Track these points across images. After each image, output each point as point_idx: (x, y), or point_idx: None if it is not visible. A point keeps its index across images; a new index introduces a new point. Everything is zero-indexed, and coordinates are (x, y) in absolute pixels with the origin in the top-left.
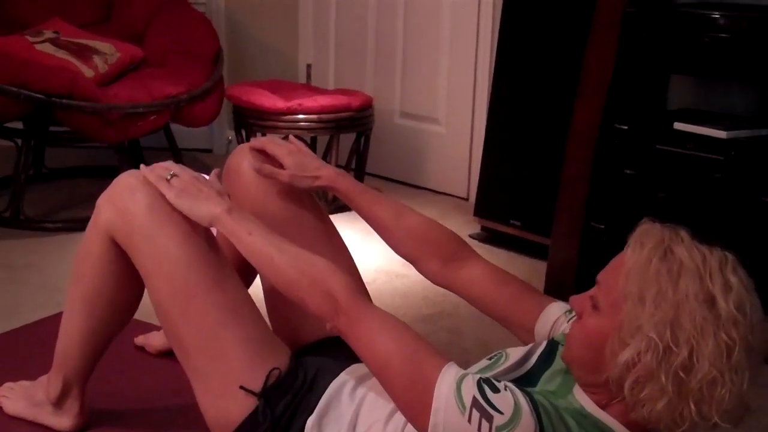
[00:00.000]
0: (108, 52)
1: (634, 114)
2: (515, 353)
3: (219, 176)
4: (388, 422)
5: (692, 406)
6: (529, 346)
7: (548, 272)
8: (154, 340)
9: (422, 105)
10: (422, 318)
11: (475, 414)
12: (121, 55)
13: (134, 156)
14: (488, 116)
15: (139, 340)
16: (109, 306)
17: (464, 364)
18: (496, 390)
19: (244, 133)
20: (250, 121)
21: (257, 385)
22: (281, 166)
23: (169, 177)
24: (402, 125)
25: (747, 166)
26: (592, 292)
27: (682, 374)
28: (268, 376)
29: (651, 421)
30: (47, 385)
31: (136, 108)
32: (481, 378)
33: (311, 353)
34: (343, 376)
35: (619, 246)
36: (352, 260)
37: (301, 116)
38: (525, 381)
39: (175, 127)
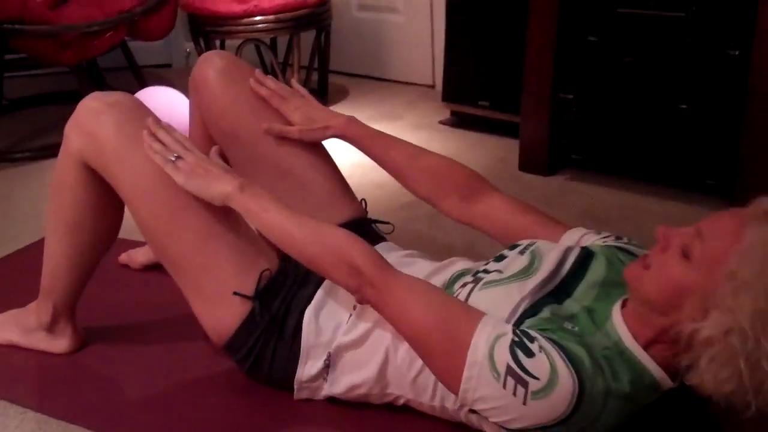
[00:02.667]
0: None
1: None
2: (549, 254)
3: (219, 154)
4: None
5: (756, 399)
6: (562, 248)
7: (521, 147)
8: (138, 256)
9: None
10: (401, 206)
11: (510, 381)
12: None
13: (94, 78)
14: None
15: (123, 258)
16: (92, 229)
17: (447, 252)
18: (530, 354)
19: (202, 42)
20: (207, 29)
21: (250, 289)
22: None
23: (173, 159)
24: (360, 18)
25: (708, 21)
26: (688, 235)
27: (764, 366)
28: (259, 278)
29: (709, 393)
30: (37, 311)
31: (91, 26)
32: (513, 340)
33: None
34: None
35: (588, 114)
36: (336, 167)
37: (258, 18)
38: (561, 293)
39: (133, 45)
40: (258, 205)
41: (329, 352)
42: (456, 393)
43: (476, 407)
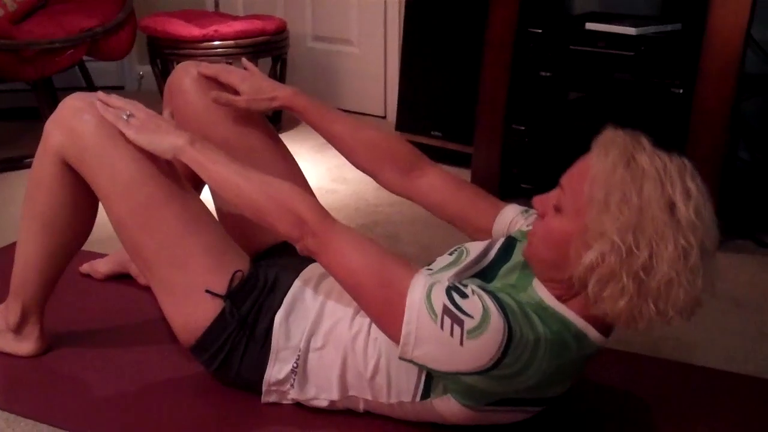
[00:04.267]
0: None
1: (546, 18)
2: (475, 248)
3: (171, 115)
4: (353, 320)
5: (651, 305)
6: (488, 241)
7: (473, 176)
8: (100, 267)
9: (334, 27)
10: (358, 228)
11: (447, 320)
12: None
13: (49, 96)
14: (404, 31)
15: (84, 268)
16: (66, 229)
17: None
18: (464, 296)
19: (159, 64)
20: (166, 52)
21: (222, 288)
22: (234, 92)
23: (125, 117)
24: (315, 48)
25: (656, 60)
26: (554, 194)
27: (642, 275)
28: (231, 279)
29: (611, 316)
30: (6, 313)
31: (53, 43)
32: (449, 285)
33: (268, 257)
34: (304, 274)
35: (539, 146)
36: (299, 170)
37: (217, 43)
38: (484, 275)
39: (87, 66)
40: (207, 158)
41: (298, 355)
42: (397, 340)
43: (416, 354)
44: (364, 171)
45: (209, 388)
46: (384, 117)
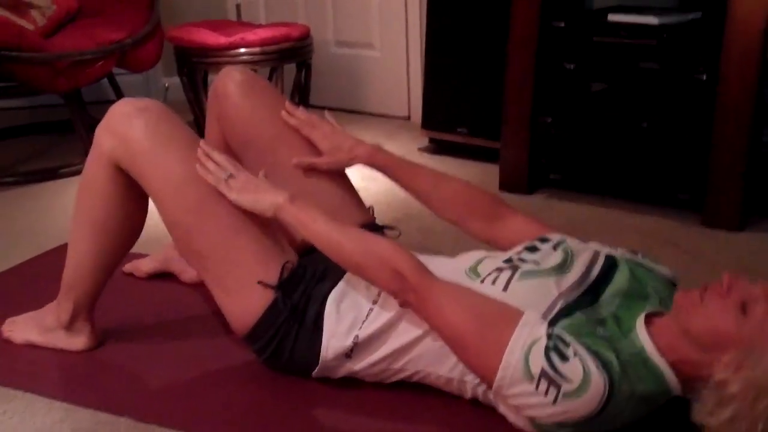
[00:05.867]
0: (44, 5)
1: (568, 11)
2: (579, 255)
3: (265, 175)
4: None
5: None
6: (590, 252)
7: (501, 169)
8: (143, 266)
9: (356, 31)
10: (392, 222)
11: (543, 382)
12: (58, 8)
13: (81, 110)
14: (427, 28)
15: (127, 267)
16: (118, 231)
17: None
18: (564, 358)
19: (186, 74)
20: (194, 60)
21: (273, 279)
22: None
23: (226, 178)
24: (338, 54)
25: (679, 48)
26: (754, 293)
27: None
28: (282, 270)
29: (708, 425)
30: (57, 310)
31: (84, 55)
32: (548, 345)
33: (315, 252)
34: None
35: (566, 136)
36: (346, 175)
37: (243, 50)
38: (591, 295)
39: None
40: (307, 216)
41: (354, 342)
42: (490, 387)
43: (508, 401)
44: (449, 222)
45: (260, 374)
46: (408, 118)
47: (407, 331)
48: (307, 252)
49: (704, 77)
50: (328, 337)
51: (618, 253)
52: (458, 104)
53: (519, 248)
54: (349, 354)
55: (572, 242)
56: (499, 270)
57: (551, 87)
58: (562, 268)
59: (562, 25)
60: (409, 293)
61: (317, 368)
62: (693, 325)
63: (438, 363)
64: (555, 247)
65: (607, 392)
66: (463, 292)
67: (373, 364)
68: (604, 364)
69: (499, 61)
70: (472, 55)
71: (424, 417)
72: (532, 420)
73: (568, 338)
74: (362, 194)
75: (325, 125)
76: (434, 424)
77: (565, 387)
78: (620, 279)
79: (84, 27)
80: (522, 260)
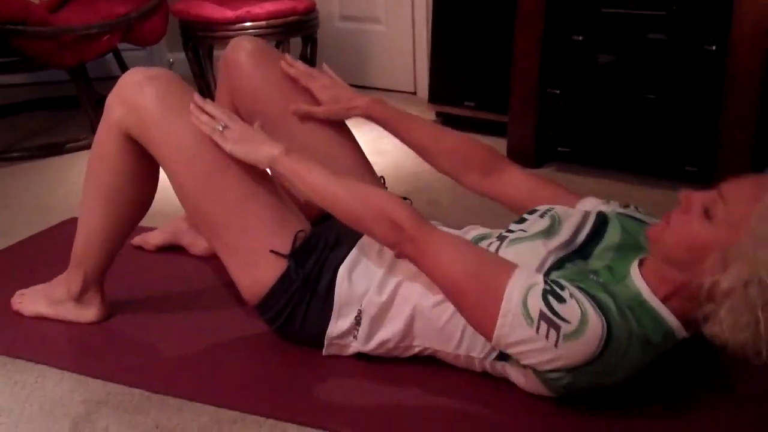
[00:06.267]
0: None
1: None
2: (568, 218)
3: (261, 127)
4: (421, 277)
5: None
6: (580, 214)
7: (509, 142)
8: (151, 239)
9: (362, 6)
10: (401, 194)
11: (543, 325)
12: None
13: (87, 85)
14: (434, 3)
15: (136, 240)
16: (129, 201)
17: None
18: (561, 300)
19: (192, 48)
20: (199, 34)
21: (285, 248)
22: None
23: (221, 128)
24: (343, 28)
25: (688, 19)
26: (709, 197)
27: None
28: (294, 239)
29: (723, 341)
30: (67, 282)
31: (90, 29)
32: (545, 288)
33: (325, 221)
34: (366, 237)
35: (575, 109)
36: (357, 143)
37: (249, 24)
38: (581, 253)
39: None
40: (303, 167)
41: (359, 309)
42: (490, 338)
43: (509, 351)
44: (446, 174)
45: (271, 344)
46: (414, 93)
47: (402, 308)
48: (321, 220)
49: (714, 48)
50: (338, 308)
51: (610, 208)
52: (465, 78)
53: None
54: (355, 333)
55: (560, 209)
56: (489, 245)
57: (559, 59)
58: (550, 231)
59: None
60: (407, 243)
61: (325, 346)
62: (669, 249)
63: (440, 340)
64: (542, 215)
65: (605, 332)
66: (461, 242)
67: (380, 345)
68: (600, 306)
69: (506, 34)
70: (478, 29)
71: (435, 386)
72: (541, 376)
73: (564, 283)
74: None
75: (324, 77)
76: (445, 395)
77: (565, 328)
78: (612, 234)
79: (89, 1)
80: (510, 231)
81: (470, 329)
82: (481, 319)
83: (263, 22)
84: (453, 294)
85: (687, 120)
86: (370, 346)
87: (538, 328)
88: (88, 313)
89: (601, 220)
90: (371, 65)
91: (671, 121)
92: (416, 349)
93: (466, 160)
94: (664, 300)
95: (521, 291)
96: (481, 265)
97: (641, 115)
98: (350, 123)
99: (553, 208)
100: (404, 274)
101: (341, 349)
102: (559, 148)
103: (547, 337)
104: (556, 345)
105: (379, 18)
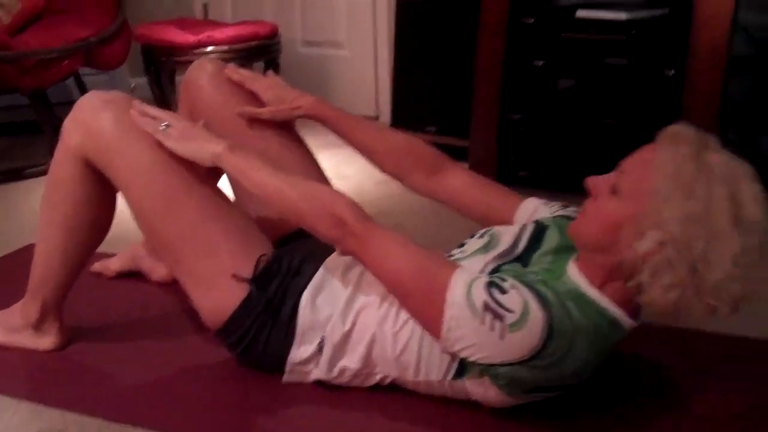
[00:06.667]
0: (9, 3)
1: (537, 7)
2: (505, 234)
3: (206, 125)
4: (382, 303)
5: (703, 299)
6: (518, 227)
7: (471, 165)
8: (111, 265)
9: (324, 31)
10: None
11: (488, 316)
12: (23, 6)
13: (47, 110)
14: (396, 27)
15: (96, 267)
16: (87, 226)
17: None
18: (503, 291)
19: (154, 71)
20: (161, 59)
21: (247, 273)
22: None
23: (163, 127)
24: (306, 53)
25: (646, 44)
26: (613, 176)
27: (701, 269)
28: (257, 263)
29: (659, 306)
30: (24, 310)
31: (50, 53)
32: (488, 281)
33: (290, 242)
34: (330, 261)
35: (535, 133)
36: (316, 162)
37: (211, 48)
38: (518, 262)
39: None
40: (247, 164)
41: (322, 336)
42: (438, 335)
43: (458, 347)
44: (390, 175)
45: (232, 371)
46: (377, 117)
47: (363, 335)
48: (285, 242)
49: (672, 73)
50: (301, 335)
51: (551, 209)
52: (427, 103)
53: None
54: (317, 360)
55: (498, 228)
56: None
57: (520, 84)
58: (488, 246)
59: (531, 21)
60: (351, 239)
61: (286, 372)
62: (589, 238)
63: (398, 367)
64: (481, 236)
65: (547, 323)
66: (403, 239)
67: (340, 373)
68: (541, 297)
69: (467, 59)
70: (440, 53)
71: (398, 414)
72: (496, 379)
73: (506, 276)
74: None
75: (268, 79)
76: (408, 422)
77: (508, 318)
78: (550, 239)
79: (50, 25)
80: (450, 255)
81: (426, 354)
82: (428, 314)
83: (225, 47)
84: (397, 289)
85: (646, 144)
86: (332, 374)
87: (483, 319)
88: (46, 340)
89: (540, 228)
90: (334, 90)
91: (631, 145)
92: (377, 377)
93: (410, 160)
94: (602, 289)
95: (464, 284)
96: (424, 261)
97: (601, 139)
98: (312, 147)
99: (491, 229)
100: (364, 302)
101: (303, 375)
102: (519, 173)
103: (492, 328)
104: (502, 337)
105: (341, 43)
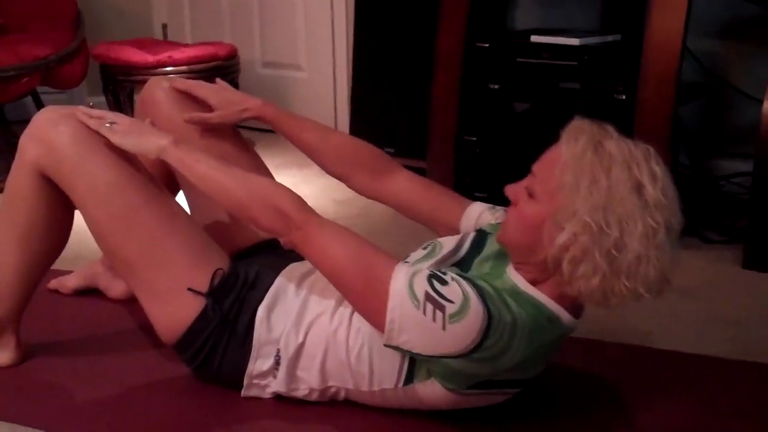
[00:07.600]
0: None
1: (492, 32)
2: (448, 243)
3: (151, 123)
4: (334, 314)
5: (623, 282)
6: (460, 235)
7: None
8: (68, 282)
9: (283, 53)
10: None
11: (429, 306)
12: None
13: (3, 128)
14: (354, 51)
15: (53, 284)
16: (43, 241)
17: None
18: (444, 282)
19: (112, 92)
20: (120, 78)
21: (203, 286)
22: (208, 109)
23: (108, 125)
24: (265, 74)
25: (599, 69)
26: (527, 181)
27: (614, 253)
28: (213, 277)
29: (585, 294)
30: None
31: (7, 71)
32: (429, 273)
33: (247, 256)
34: (286, 273)
35: (491, 155)
36: (271, 176)
37: (170, 68)
38: (460, 267)
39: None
40: (191, 157)
41: (278, 349)
42: (382, 327)
43: (401, 340)
44: (335, 176)
45: (189, 388)
46: None
47: (317, 347)
48: (242, 256)
49: (623, 97)
50: (257, 349)
51: (496, 213)
52: (384, 124)
53: None
54: (275, 373)
55: (442, 239)
56: None
57: (476, 107)
58: (431, 254)
59: (486, 46)
60: (294, 231)
61: (244, 386)
62: (515, 242)
63: (353, 378)
64: (425, 248)
65: (486, 315)
66: (345, 231)
67: (297, 385)
68: (480, 290)
69: (424, 82)
70: (398, 76)
71: (357, 428)
72: (439, 376)
73: (446, 270)
74: None
75: (213, 84)
76: None
77: (449, 308)
78: (491, 245)
79: (8, 43)
80: None
81: (377, 361)
82: (371, 306)
83: (184, 67)
84: (340, 281)
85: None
86: (290, 387)
87: (425, 310)
88: (2, 356)
89: (482, 235)
90: (293, 110)
91: None
92: (332, 390)
93: (354, 160)
94: (538, 287)
95: (406, 275)
96: (367, 253)
97: None
98: (271, 168)
99: (435, 240)
100: (317, 312)
101: (261, 390)
102: (475, 194)
103: (434, 318)
104: (443, 327)
105: (300, 65)
